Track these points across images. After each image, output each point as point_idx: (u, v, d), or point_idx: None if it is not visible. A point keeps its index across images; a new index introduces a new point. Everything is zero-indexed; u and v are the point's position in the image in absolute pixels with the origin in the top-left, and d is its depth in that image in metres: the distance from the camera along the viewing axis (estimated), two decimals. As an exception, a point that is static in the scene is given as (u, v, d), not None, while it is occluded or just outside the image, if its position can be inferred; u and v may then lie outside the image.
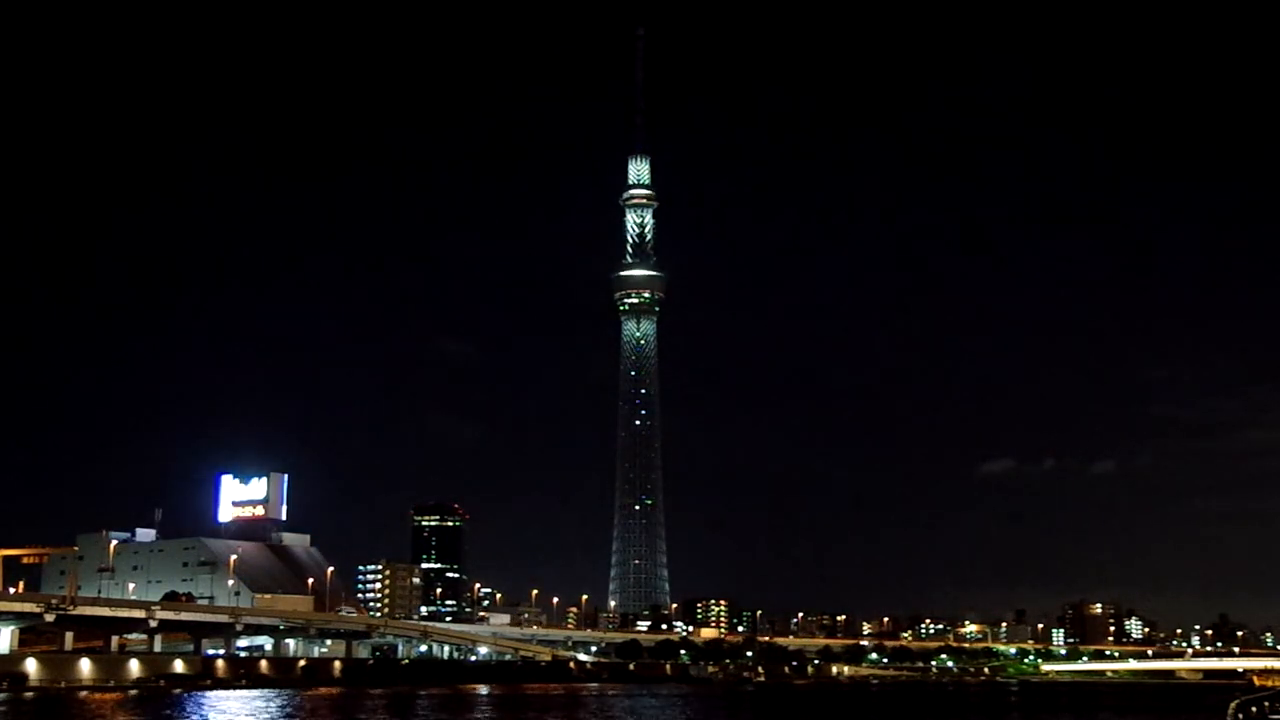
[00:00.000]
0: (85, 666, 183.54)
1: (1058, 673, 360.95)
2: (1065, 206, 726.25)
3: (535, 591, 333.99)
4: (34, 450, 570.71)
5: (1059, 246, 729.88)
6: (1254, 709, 65.08)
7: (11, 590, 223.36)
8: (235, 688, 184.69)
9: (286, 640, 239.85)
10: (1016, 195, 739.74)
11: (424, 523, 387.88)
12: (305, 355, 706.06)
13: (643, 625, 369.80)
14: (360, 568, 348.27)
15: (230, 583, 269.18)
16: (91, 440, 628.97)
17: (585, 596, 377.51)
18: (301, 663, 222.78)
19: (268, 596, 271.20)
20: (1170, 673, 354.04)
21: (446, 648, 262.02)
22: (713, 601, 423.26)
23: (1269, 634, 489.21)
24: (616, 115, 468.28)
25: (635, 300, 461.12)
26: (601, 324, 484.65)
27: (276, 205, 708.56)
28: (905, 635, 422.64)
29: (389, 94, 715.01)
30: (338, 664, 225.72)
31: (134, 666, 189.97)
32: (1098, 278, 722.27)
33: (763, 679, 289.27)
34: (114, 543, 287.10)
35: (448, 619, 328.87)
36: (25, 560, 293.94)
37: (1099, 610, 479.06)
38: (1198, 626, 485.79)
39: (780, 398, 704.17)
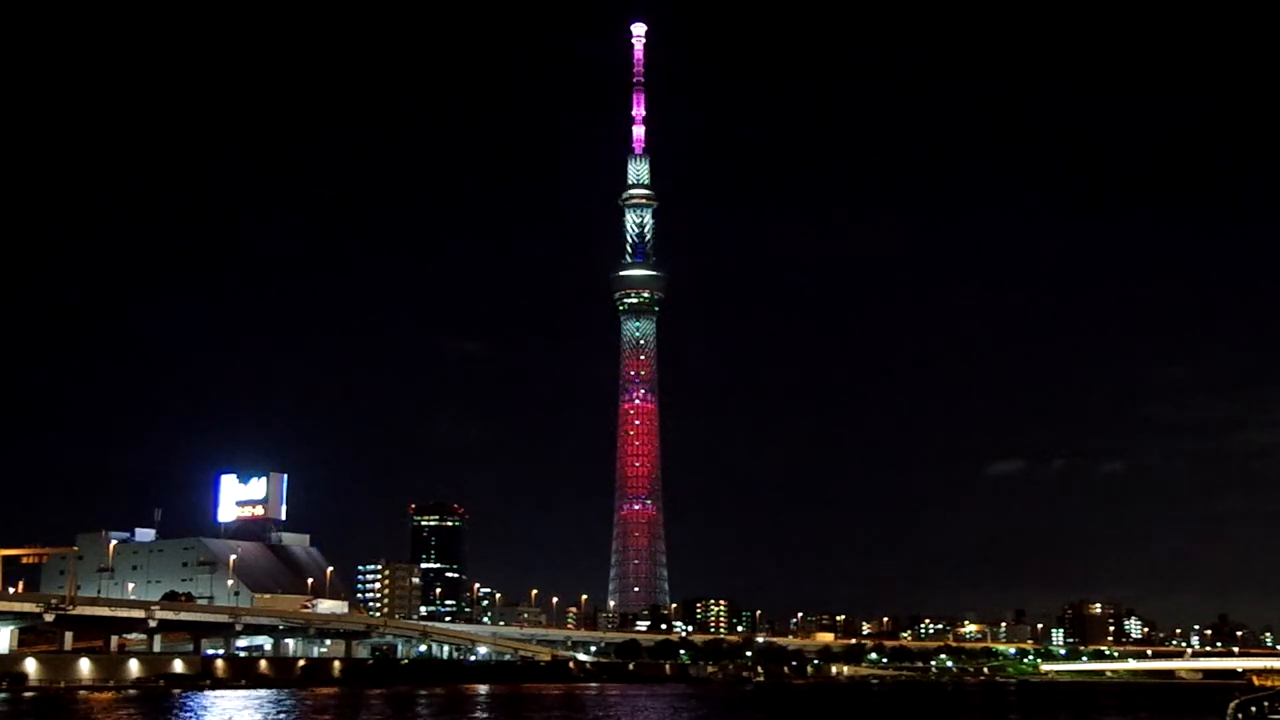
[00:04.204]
0: (85, 666, 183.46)
1: (1057, 673, 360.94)
2: (1072, 206, 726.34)
3: (535, 591, 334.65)
4: (34, 450, 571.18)
5: (1065, 246, 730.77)
6: (1254, 709, 65.04)
7: (11, 590, 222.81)
8: (235, 688, 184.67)
9: (286, 640, 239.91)
10: (1023, 196, 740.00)
11: (424, 523, 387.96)
12: (305, 355, 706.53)
13: (642, 625, 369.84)
14: (360, 568, 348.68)
15: (230, 583, 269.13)
16: (91, 440, 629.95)
17: (585, 596, 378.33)
18: (301, 663, 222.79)
19: (267, 596, 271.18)
20: (1170, 673, 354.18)
21: (446, 647, 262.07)
22: (712, 601, 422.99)
23: (1269, 634, 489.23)
24: (616, 115, 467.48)
25: (635, 300, 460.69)
26: (601, 324, 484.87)
27: (277, 205, 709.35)
28: (905, 635, 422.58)
29: (390, 94, 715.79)
30: (337, 664, 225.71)
31: (133, 666, 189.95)
32: (1104, 278, 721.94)
33: (762, 679, 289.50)
34: (114, 543, 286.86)
35: (447, 619, 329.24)
36: (25, 560, 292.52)
37: (1099, 610, 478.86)
38: (1197, 626, 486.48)
39: (781, 397, 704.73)
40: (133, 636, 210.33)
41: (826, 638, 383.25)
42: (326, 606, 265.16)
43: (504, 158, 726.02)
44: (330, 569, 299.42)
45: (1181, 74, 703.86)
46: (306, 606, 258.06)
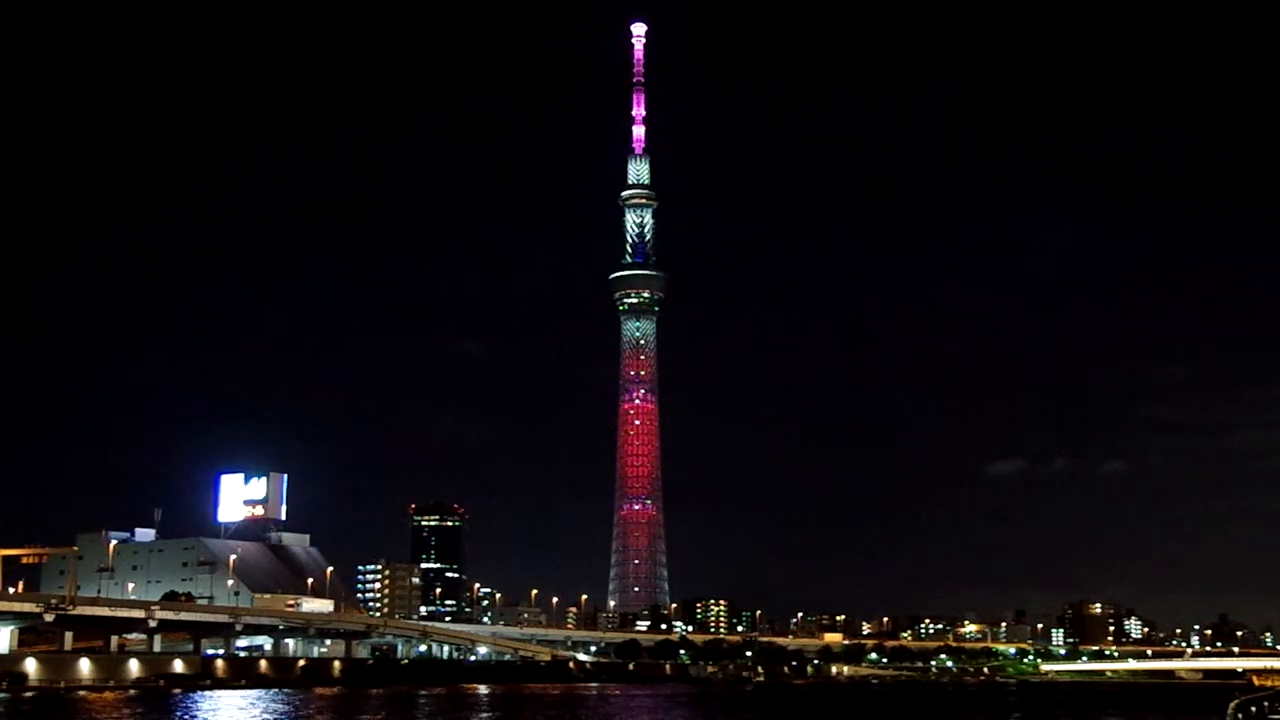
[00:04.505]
0: (85, 666, 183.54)
1: (1057, 673, 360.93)
2: (1073, 207, 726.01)
3: (535, 591, 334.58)
4: (34, 450, 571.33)
5: (1065, 246, 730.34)
6: (1254, 709, 65.09)
7: (11, 590, 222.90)
8: (235, 688, 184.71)
9: (286, 640, 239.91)
10: (1023, 196, 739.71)
11: (424, 523, 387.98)
12: (305, 355, 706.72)
13: (642, 625, 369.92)
14: (360, 568, 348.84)
15: (230, 583, 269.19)
16: (91, 440, 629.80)
17: (585, 596, 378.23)
18: (301, 663, 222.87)
19: (267, 596, 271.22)
20: (1170, 673, 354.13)
21: (446, 647, 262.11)
22: (712, 601, 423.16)
23: (1269, 634, 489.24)
24: (617, 115, 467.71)
25: (635, 300, 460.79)
26: (601, 324, 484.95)
27: (277, 205, 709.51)
28: (905, 635, 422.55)
29: (390, 94, 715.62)
30: (337, 664, 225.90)
31: (134, 666, 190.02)
32: (1104, 278, 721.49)
33: (762, 679, 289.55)
34: (114, 543, 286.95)
35: (447, 619, 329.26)
36: (25, 560, 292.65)
37: (1099, 610, 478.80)
38: (1197, 626, 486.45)
39: (781, 397, 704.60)
40: (133, 636, 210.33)
41: (835, 638, 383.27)
42: (311, 605, 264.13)
43: (504, 158, 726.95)
44: (330, 569, 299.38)
45: (1181, 74, 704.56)
46: (292, 605, 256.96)
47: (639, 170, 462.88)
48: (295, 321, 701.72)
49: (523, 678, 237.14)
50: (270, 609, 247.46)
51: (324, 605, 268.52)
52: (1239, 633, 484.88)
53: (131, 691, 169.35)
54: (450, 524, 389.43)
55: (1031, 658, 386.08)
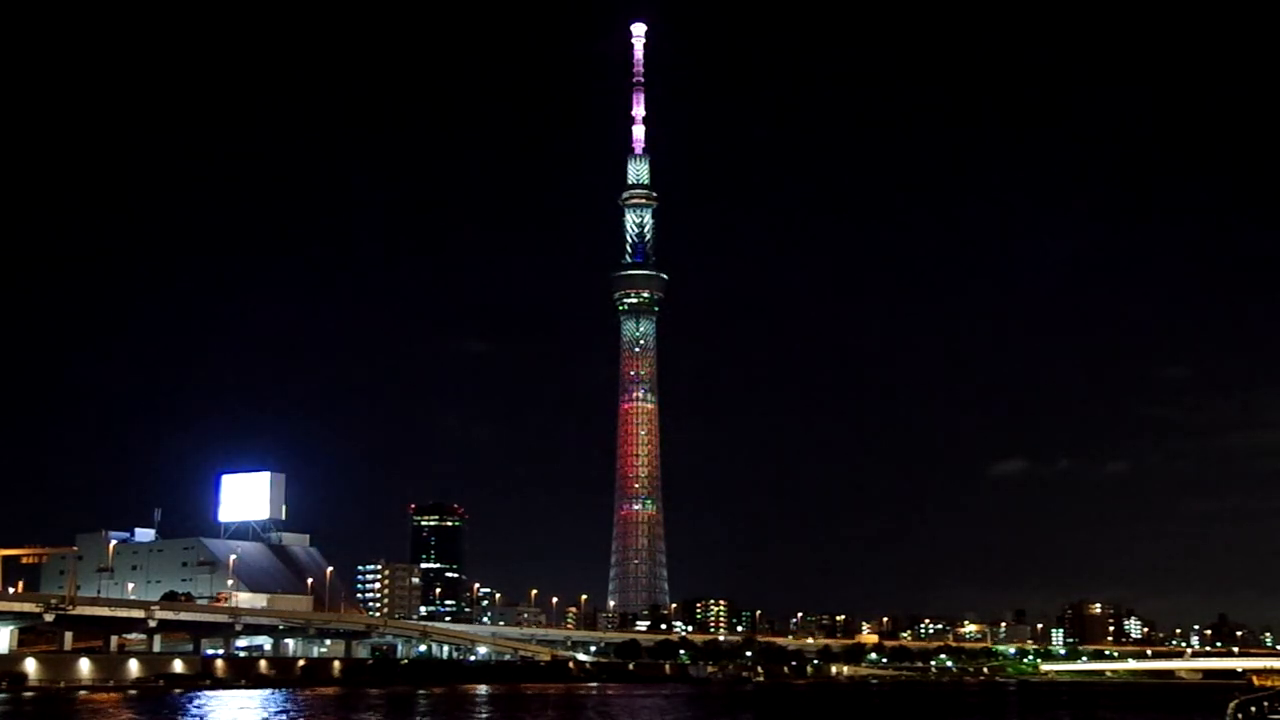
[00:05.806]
0: (85, 666, 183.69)
1: (1057, 673, 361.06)
2: (1073, 206, 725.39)
3: (535, 591, 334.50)
4: (34, 450, 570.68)
5: (1066, 245, 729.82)
6: (1254, 709, 65.13)
7: (11, 590, 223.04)
8: (235, 688, 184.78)
9: (286, 640, 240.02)
10: (1024, 196, 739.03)
11: (423, 523, 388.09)
12: (306, 354, 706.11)
13: (642, 625, 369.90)
14: (360, 568, 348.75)
15: (230, 583, 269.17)
16: (91, 440, 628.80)
17: (585, 596, 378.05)
18: (301, 663, 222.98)
19: (266, 596, 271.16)
20: (1170, 673, 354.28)
21: (446, 648, 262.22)
22: (712, 601, 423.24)
23: (1269, 634, 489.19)
24: (616, 115, 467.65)
25: (635, 300, 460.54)
26: (601, 324, 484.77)
27: (278, 204, 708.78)
28: (905, 635, 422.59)
29: (390, 95, 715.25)
30: (337, 664, 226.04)
31: (133, 666, 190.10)
32: (1105, 278, 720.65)
33: (762, 679, 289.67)
34: (113, 543, 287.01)
35: (447, 619, 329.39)
36: (25, 560, 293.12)
37: (1098, 610, 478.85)
38: (1197, 626, 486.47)
39: (780, 397, 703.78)
40: (133, 636, 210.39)
41: (871, 638, 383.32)
42: (240, 599, 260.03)
43: (504, 157, 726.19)
44: (330, 569, 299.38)
45: (1181, 72, 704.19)
46: (222, 600, 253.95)
47: (639, 170, 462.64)
48: (295, 321, 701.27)
49: (522, 678, 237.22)
50: (270, 609, 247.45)
51: (258, 600, 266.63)
52: (1239, 633, 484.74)
53: (131, 691, 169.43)
54: (450, 524, 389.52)
55: (1031, 658, 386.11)
